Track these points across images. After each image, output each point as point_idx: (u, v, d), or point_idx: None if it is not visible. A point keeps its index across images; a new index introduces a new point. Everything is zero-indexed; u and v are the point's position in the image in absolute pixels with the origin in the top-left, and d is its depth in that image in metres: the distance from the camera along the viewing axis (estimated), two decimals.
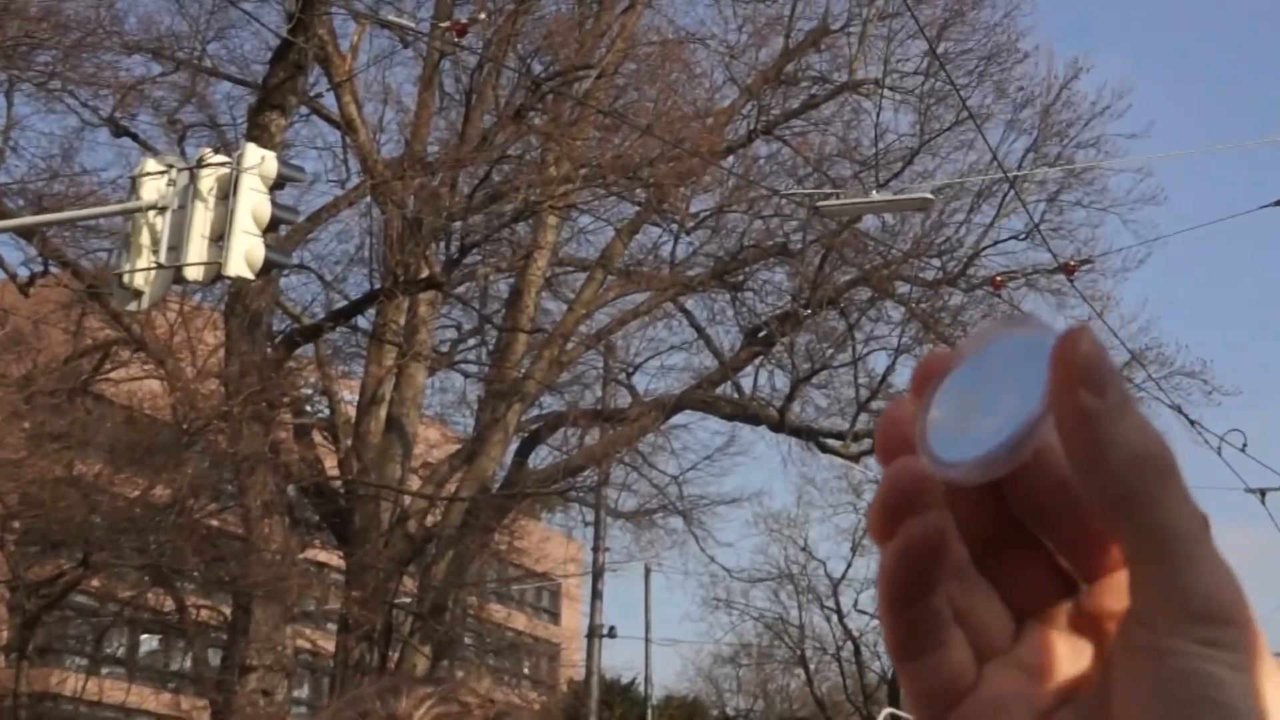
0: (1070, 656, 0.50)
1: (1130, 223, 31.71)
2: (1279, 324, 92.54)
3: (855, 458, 32.21)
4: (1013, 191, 27.99)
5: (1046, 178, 29.74)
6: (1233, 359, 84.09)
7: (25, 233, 20.64)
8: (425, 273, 25.66)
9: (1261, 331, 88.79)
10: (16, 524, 27.24)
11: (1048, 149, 30.32)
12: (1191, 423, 25.93)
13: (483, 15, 24.88)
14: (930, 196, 24.10)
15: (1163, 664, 0.47)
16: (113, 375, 25.74)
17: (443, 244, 26.24)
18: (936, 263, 29.76)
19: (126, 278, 14.72)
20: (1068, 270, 26.31)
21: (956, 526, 0.51)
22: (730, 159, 27.89)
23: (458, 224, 26.19)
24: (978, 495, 0.49)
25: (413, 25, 25.37)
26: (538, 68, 26.19)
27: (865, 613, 47.58)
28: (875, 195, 23.48)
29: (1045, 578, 0.52)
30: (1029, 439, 0.48)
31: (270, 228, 14.61)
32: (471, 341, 29.71)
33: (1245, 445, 23.65)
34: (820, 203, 23.88)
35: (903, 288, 29.72)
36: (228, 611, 27.67)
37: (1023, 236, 29.66)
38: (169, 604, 30.30)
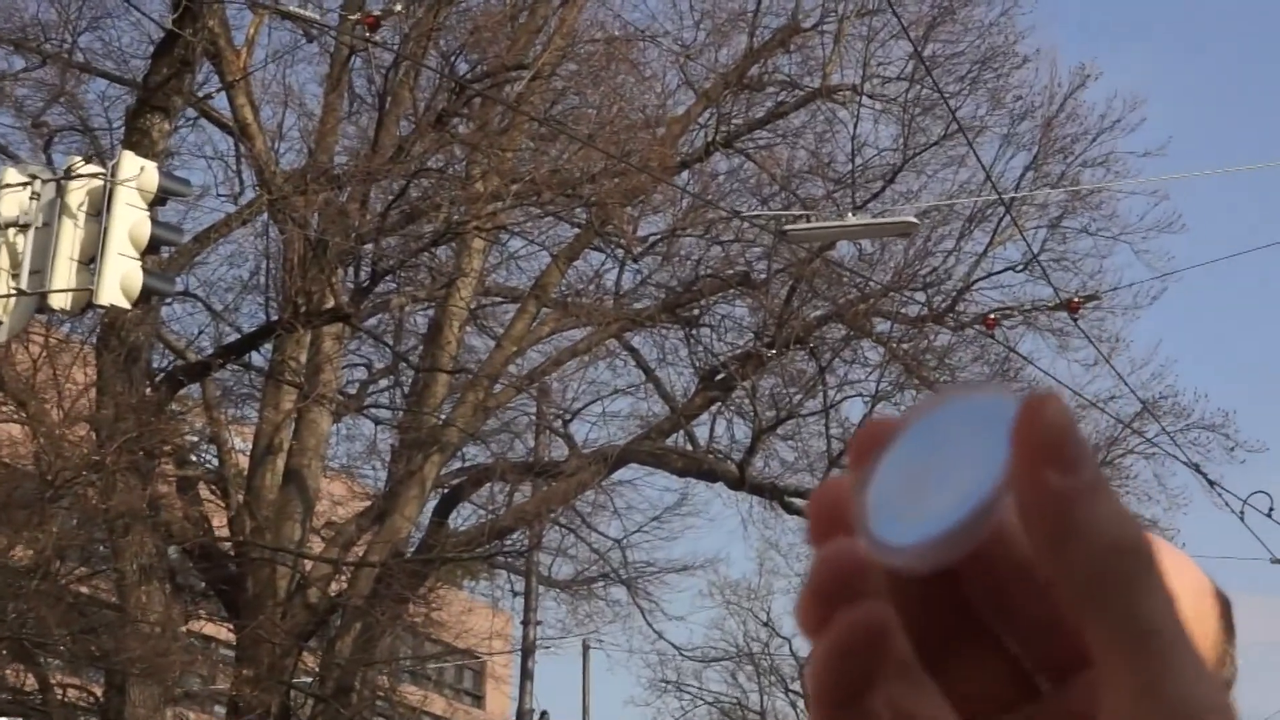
0: None
1: (1143, 253, 31.54)
2: None
3: None
4: (1009, 216, 28.06)
5: (1048, 200, 29.85)
6: (1259, 411, 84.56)
7: None
8: (331, 303, 25.50)
9: None
10: None
11: (1049, 167, 30.33)
12: (1211, 483, 26.10)
13: (399, 7, 24.74)
14: (915, 221, 24.16)
15: None
16: None
17: (351, 270, 26.15)
18: (921, 297, 29.67)
19: None
20: (1071, 307, 26.41)
21: (900, 618, 0.50)
22: (685, 175, 27.97)
23: (369, 246, 26.09)
24: (924, 582, 0.49)
25: (318, 17, 25.34)
26: (463, 68, 26.33)
27: None
28: (852, 218, 23.52)
29: (1002, 677, 0.51)
30: (985, 519, 0.48)
31: (150, 249, 14.51)
32: (384, 383, 29.67)
33: (1272, 510, 23.77)
34: (788, 226, 23.88)
35: (882, 325, 29.76)
36: (99, 691, 27.49)
37: (1020, 268, 29.74)
38: (31, 683, 30.04)
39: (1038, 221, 29.80)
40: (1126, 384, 27.94)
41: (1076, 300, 26.88)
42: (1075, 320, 26.85)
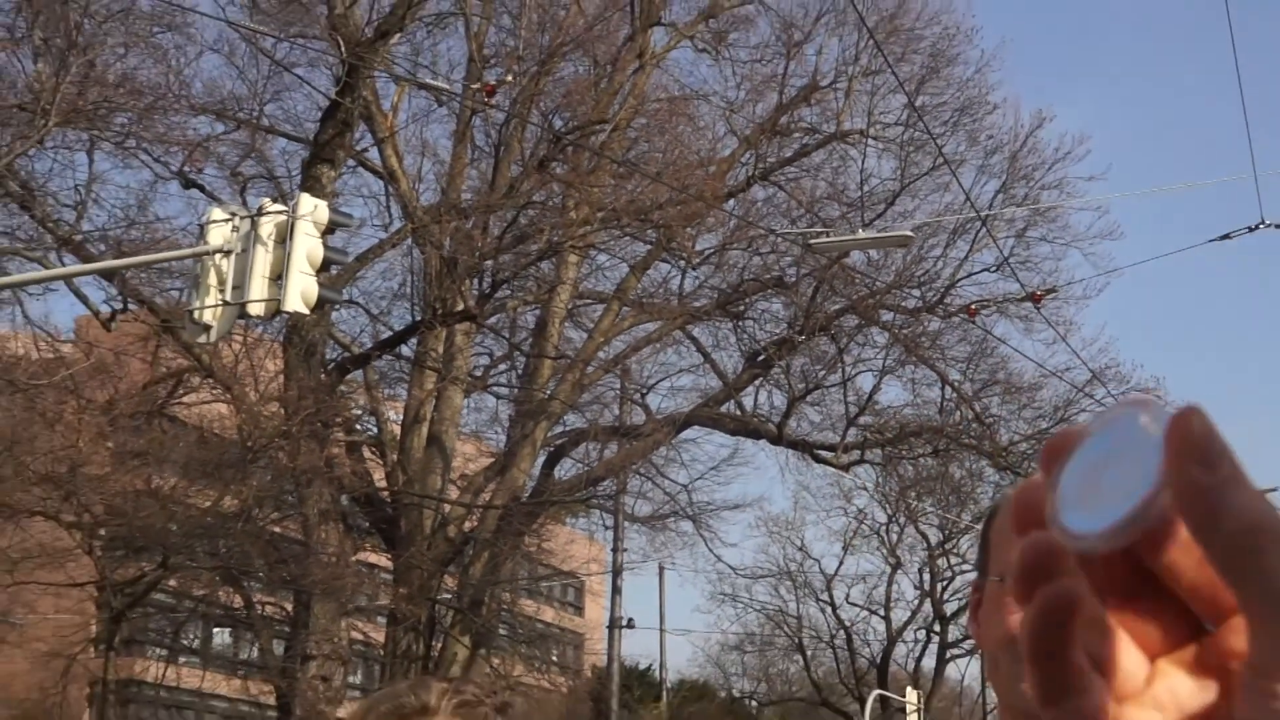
0: (1198, 693, 0.50)
1: (1090, 255, 31.64)
2: (1229, 347, 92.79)
3: (845, 467, 32.17)
4: (984, 229, 27.92)
5: (1014, 216, 29.73)
6: (1185, 375, 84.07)
7: (107, 275, 20.67)
8: (461, 306, 25.66)
9: (1211, 353, 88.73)
10: (103, 532, 27.34)
11: (1015, 190, 30.27)
12: None
13: (510, 77, 24.96)
14: (910, 234, 24.00)
15: (1273, 708, 0.47)
16: (185, 400, 25.79)
17: (476, 280, 26.23)
18: (916, 293, 29.70)
19: (197, 313, 14.73)
20: (1034, 299, 26.26)
21: (1088, 584, 0.51)
22: (731, 202, 27.94)
23: (489, 262, 26.18)
24: (1106, 556, 0.49)
25: (447, 87, 25.42)
26: (559, 123, 26.25)
27: (856, 605, 47.55)
28: (861, 233, 23.37)
29: (1173, 622, 0.51)
30: (1148, 512, 0.48)
31: (323, 268, 14.61)
32: (502, 367, 29.70)
33: None
34: (812, 240, 23.81)
35: (886, 315, 29.60)
36: (290, 607, 27.69)
37: (993, 269, 29.51)
38: (238, 601, 30.32)
39: (1007, 233, 29.70)
40: (1079, 357, 27.89)
41: (1039, 293, 26.70)
42: (1038, 308, 26.67)
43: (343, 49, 24.42)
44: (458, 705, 1.79)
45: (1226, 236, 20.10)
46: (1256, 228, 20.31)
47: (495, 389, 29.40)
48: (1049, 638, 0.50)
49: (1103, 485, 0.49)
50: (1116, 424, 0.50)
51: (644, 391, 30.83)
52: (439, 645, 26.12)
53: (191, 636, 41.80)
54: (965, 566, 43.53)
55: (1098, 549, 0.48)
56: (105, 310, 23.21)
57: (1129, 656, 0.50)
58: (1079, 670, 0.49)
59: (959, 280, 29.78)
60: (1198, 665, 0.50)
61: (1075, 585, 0.49)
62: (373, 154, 26.90)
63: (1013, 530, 0.51)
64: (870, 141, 29.37)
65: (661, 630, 52.31)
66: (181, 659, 41.53)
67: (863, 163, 29.48)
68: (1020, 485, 0.52)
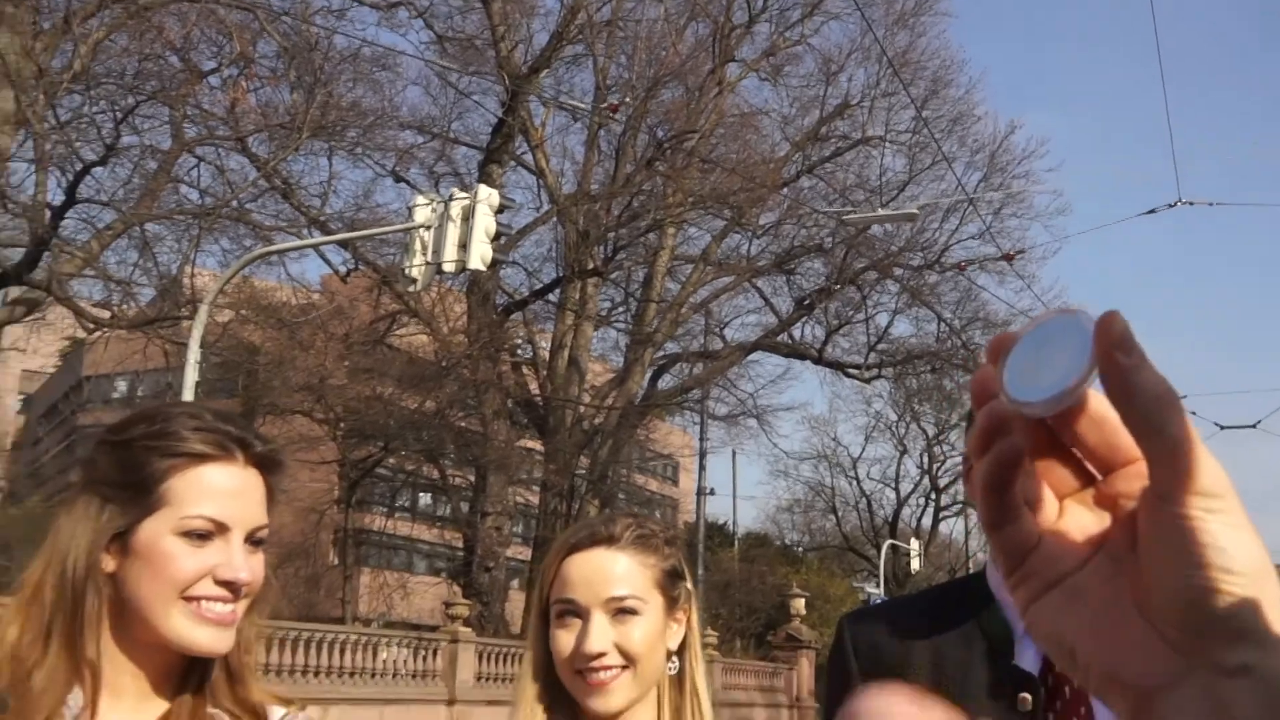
0: (1096, 522, 0.50)
1: (1049, 227, 32.23)
2: (1151, 293, 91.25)
3: (867, 380, 32.47)
4: (971, 207, 27.65)
5: (993, 198, 29.26)
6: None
7: (343, 244, 21.01)
8: (590, 265, 25.81)
9: (1138, 299, 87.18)
10: (342, 425, 27.94)
11: (994, 179, 29.75)
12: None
13: (626, 99, 24.94)
14: (916, 212, 23.79)
15: (1179, 523, 0.48)
16: (398, 332, 26.17)
17: (601, 247, 26.32)
18: (920, 255, 29.33)
19: (407, 270, 14.92)
20: (1008, 258, 26.06)
21: (1024, 442, 0.51)
22: (785, 189, 27.66)
23: (611, 234, 26.27)
24: (1035, 422, 0.49)
25: (581, 106, 25.46)
26: (660, 133, 26.19)
27: (873, 479, 47.71)
28: (880, 211, 23.24)
29: (1076, 473, 0.51)
30: (1080, 386, 0.48)
31: (494, 238, 14.73)
32: (620, 309, 29.76)
33: None
34: (844, 217, 23.67)
35: (898, 271, 29.31)
36: (472, 479, 28.18)
37: (977, 237, 29.18)
38: (436, 474, 30.92)
39: (987, 210, 29.22)
40: (1041, 301, 27.50)
41: (1011, 254, 26.43)
42: (1011, 265, 26.43)
43: (506, 81, 24.53)
44: (637, 536, 1.75)
45: (1152, 211, 19.66)
46: (1175, 204, 19.83)
47: (615, 324, 29.55)
48: (998, 479, 0.50)
49: (1041, 368, 0.48)
50: (1051, 323, 0.50)
51: (721, 326, 30.81)
52: (576, 506, 26.43)
53: (403, 499, 42.66)
54: (954, 452, 43.61)
55: (1040, 413, 0.48)
56: (342, 269, 23.63)
57: (1048, 496, 0.50)
58: (1016, 504, 0.49)
59: (951, 245, 29.49)
60: (1094, 503, 0.50)
61: (1019, 441, 0.49)
62: (527, 157, 27.02)
63: (973, 405, 0.51)
64: (886, 144, 29.20)
65: (734, 497, 52.36)
66: (396, 514, 42.48)
67: (881, 160, 29.39)
68: (976, 372, 0.51)
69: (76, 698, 1.43)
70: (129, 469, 1.48)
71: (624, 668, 1.69)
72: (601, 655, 1.67)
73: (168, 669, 1.51)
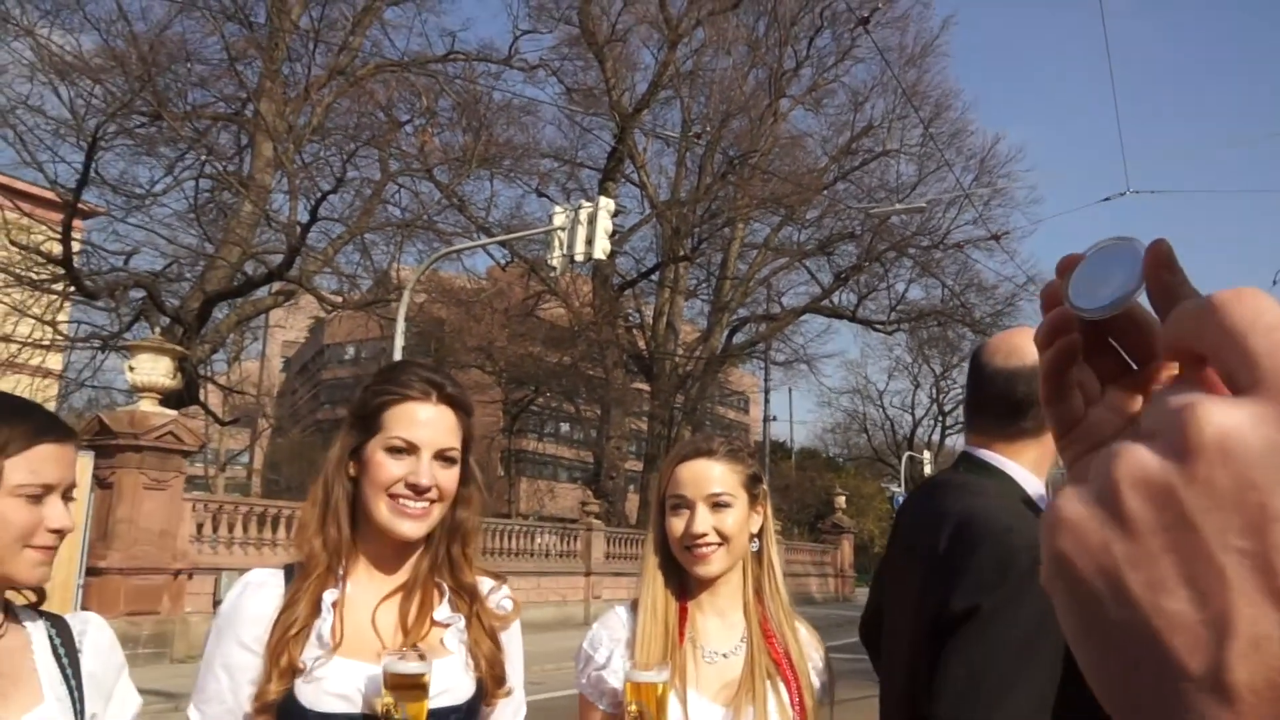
0: (1131, 402, 0.46)
1: (1027, 213, 31.45)
2: None
3: (889, 333, 31.79)
4: (966, 200, 26.76)
5: (983, 193, 28.33)
6: None
7: (502, 243, 21.23)
8: (681, 253, 25.71)
9: None
10: (504, 375, 28.31)
11: (984, 179, 28.72)
12: None
13: (705, 129, 24.68)
14: (924, 205, 23.32)
15: (1187, 395, 0.41)
16: (543, 307, 26.42)
17: (689, 239, 26.19)
18: (928, 238, 28.39)
19: (549, 261, 15.02)
20: (995, 238, 24.99)
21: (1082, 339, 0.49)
22: (825, 192, 27.14)
23: (696, 229, 26.11)
24: (1089, 325, 0.46)
25: (673, 135, 25.30)
26: (731, 153, 25.87)
27: (894, 407, 47.00)
28: (897, 205, 22.73)
29: (1118, 365, 0.48)
30: (1130, 297, 0.44)
31: (611, 235, 14.73)
32: (704, 284, 29.58)
33: None
34: (870, 210, 23.19)
35: (911, 250, 28.50)
36: (599, 411, 28.37)
37: (972, 222, 28.40)
38: (573, 409, 31.17)
39: (979, 203, 28.37)
40: (1021, 270, 26.89)
41: (998, 235, 25.55)
42: (998, 244, 25.53)
43: (617, 119, 24.45)
44: (728, 450, 1.75)
45: (1107, 199, 18.80)
46: (1125, 194, 18.98)
47: (700, 296, 29.38)
48: (1058, 366, 0.47)
49: (1099, 281, 0.45)
50: (1110, 247, 0.47)
51: (779, 295, 30.46)
52: (674, 431, 26.57)
53: (550, 428, 43.26)
54: (955, 387, 42.77)
55: (1096, 316, 0.45)
56: (502, 262, 23.92)
57: (1092, 381, 0.48)
58: (1070, 386, 0.47)
59: (952, 230, 28.52)
60: (1131, 387, 0.48)
61: (1076, 338, 0.47)
62: (633, 175, 26.87)
63: (1042, 310, 0.48)
64: (901, 155, 28.41)
65: (791, 422, 51.67)
66: (545, 439, 43.15)
67: (897, 167, 28.68)
68: (1046, 285, 0.48)
69: (343, 565, 1.51)
70: (364, 405, 1.55)
71: (719, 545, 1.70)
72: (704, 535, 1.69)
73: (401, 550, 1.55)
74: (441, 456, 1.53)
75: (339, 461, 1.53)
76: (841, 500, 32.18)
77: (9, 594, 1.35)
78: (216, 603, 12.47)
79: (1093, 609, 0.34)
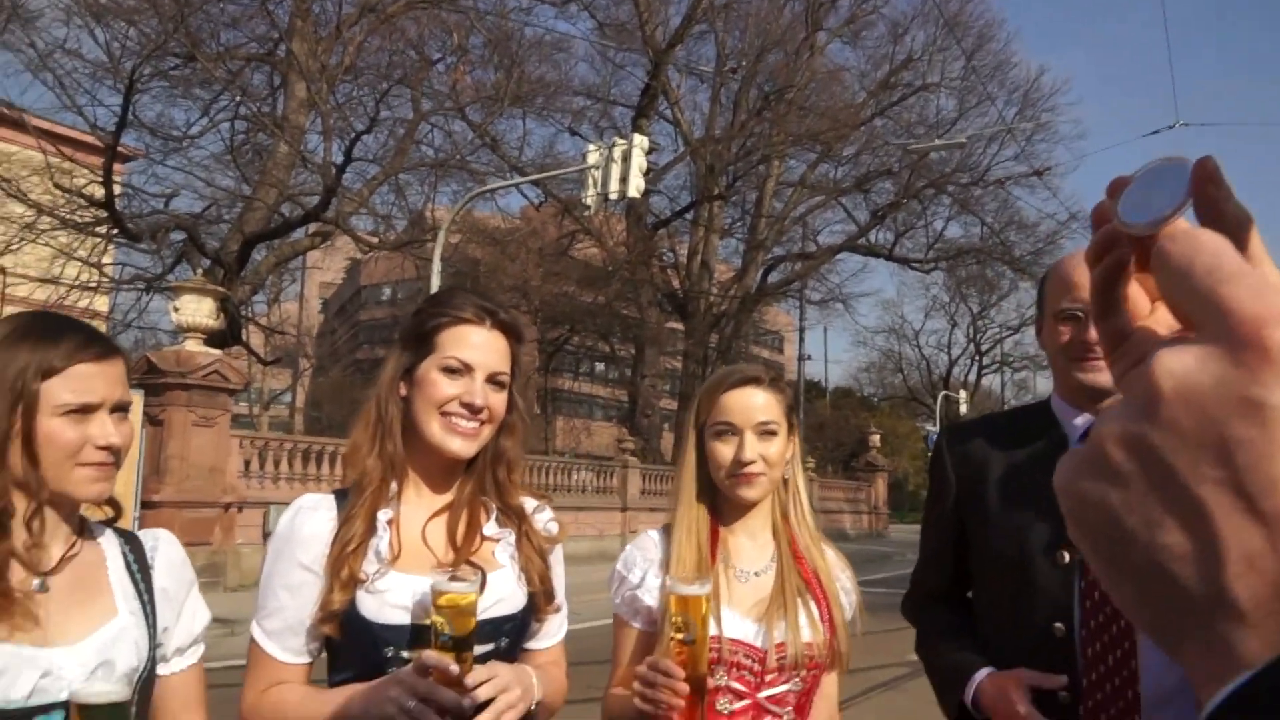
0: (1171, 319, 0.45)
1: (1070, 148, 30.41)
2: None
3: (927, 272, 31.41)
4: (1008, 136, 26.11)
5: (1026, 128, 27.60)
6: None
7: (536, 183, 21.13)
8: (716, 191, 25.43)
9: None
10: (540, 314, 28.40)
11: (1027, 113, 27.88)
12: None
13: (741, 63, 24.19)
14: (964, 141, 22.73)
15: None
16: (578, 246, 26.35)
17: (723, 176, 25.88)
18: (968, 175, 27.75)
19: (583, 199, 14.96)
20: (1038, 173, 24.65)
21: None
22: (862, 128, 26.59)
23: (730, 167, 25.77)
24: (1137, 242, 0.45)
25: (707, 70, 24.85)
26: (767, 88, 25.36)
27: (930, 346, 46.56)
28: (936, 141, 22.22)
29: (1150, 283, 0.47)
30: (1177, 212, 0.43)
31: (645, 173, 14.62)
32: (739, 223, 29.28)
33: None
34: (909, 146, 22.71)
35: (950, 187, 27.93)
36: (634, 351, 28.41)
37: (1013, 158, 27.80)
38: (608, 348, 31.24)
39: (1021, 137, 27.65)
40: (1064, 206, 26.22)
41: (1041, 170, 25.08)
42: (1040, 179, 25.08)
43: (650, 55, 24.04)
44: (772, 380, 1.78)
45: (1155, 132, 18.28)
46: (1174, 126, 18.41)
47: (735, 235, 29.10)
48: (1107, 282, 0.47)
49: (1147, 200, 0.45)
50: (1157, 166, 0.46)
51: (815, 234, 30.10)
52: (709, 370, 26.54)
53: (585, 367, 43.47)
54: (993, 326, 42.35)
55: (1144, 232, 0.45)
56: (536, 201, 23.86)
57: (1141, 296, 0.48)
58: (1119, 302, 0.47)
59: (992, 166, 27.90)
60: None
61: (1125, 254, 0.47)
62: (667, 112, 26.45)
63: (1092, 227, 0.48)
64: (942, 89, 27.65)
65: (825, 362, 51.57)
66: (580, 377, 43.39)
67: (937, 102, 28.00)
68: (1097, 205, 0.48)
69: (394, 485, 1.55)
70: (419, 326, 1.58)
71: (764, 472, 1.74)
72: (752, 462, 1.72)
73: (450, 470, 1.59)
74: (493, 380, 1.56)
75: (392, 381, 1.58)
76: (876, 439, 32.18)
77: (85, 510, 1.39)
78: (266, 534, 12.91)
79: (1106, 552, 0.37)
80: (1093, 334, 1.55)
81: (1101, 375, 1.57)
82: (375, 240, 18.55)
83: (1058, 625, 1.55)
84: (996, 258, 29.66)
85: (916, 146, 22.56)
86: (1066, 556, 1.57)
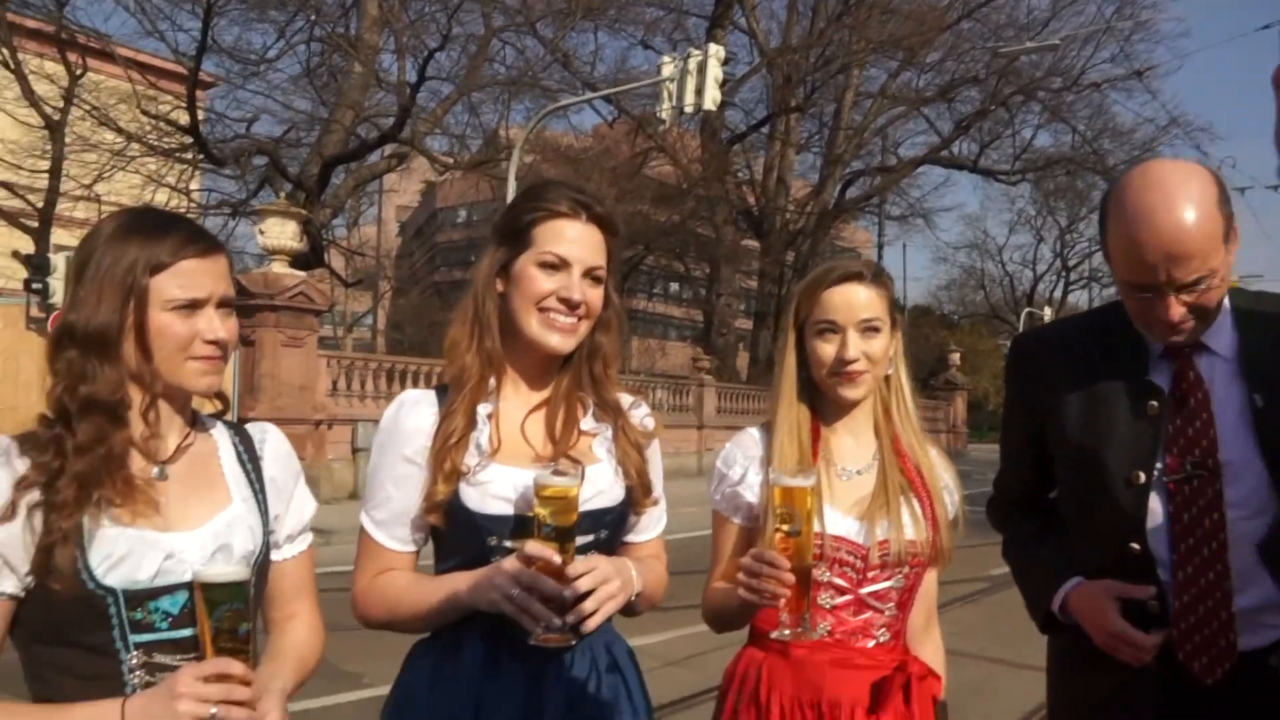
0: None
1: (1171, 47, 28.12)
2: (1264, 106, 79.21)
3: (1013, 184, 30.41)
4: (1105, 34, 24.63)
5: (1124, 28, 25.92)
6: (1229, 120, 72.89)
7: (607, 98, 20.84)
8: (793, 103, 24.72)
9: (1250, 109, 76.39)
10: None
11: (1126, 10, 26.15)
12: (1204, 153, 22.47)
13: None
14: (1058, 43, 21.54)
15: None
16: (651, 164, 26.08)
17: (801, 88, 25.09)
18: (1060, 80, 26.29)
19: (659, 113, 14.75)
20: (1139, 74, 23.19)
21: None
22: (947, 32, 25.31)
23: (808, 78, 24.95)
24: None
25: None
26: None
27: (1014, 262, 45.17)
28: (1027, 44, 21.04)
29: None
30: None
31: (721, 85, 14.33)
32: (816, 136, 28.46)
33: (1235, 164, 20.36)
34: (998, 50, 21.57)
35: (1040, 94, 26.57)
36: (709, 270, 28.29)
37: (1109, 60, 26.13)
38: (682, 267, 31.21)
39: (1119, 37, 26.04)
40: (1165, 108, 24.86)
41: (1141, 70, 23.62)
42: (1141, 81, 23.63)
43: None
44: (875, 274, 1.74)
45: (1266, 26, 16.99)
46: None
47: (812, 149, 28.34)
48: None
49: None
50: None
51: (895, 146, 29.15)
52: (785, 290, 26.13)
53: (659, 286, 43.46)
54: (1082, 240, 40.74)
55: None
56: (609, 118, 23.57)
57: None
58: None
59: (1087, 69, 26.30)
60: None
61: None
62: (742, 21, 25.58)
63: (1275, 87, 0.40)
64: None
65: (904, 279, 50.34)
66: (654, 297, 43.48)
67: (1029, 1, 26.56)
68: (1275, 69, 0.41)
69: (492, 381, 1.55)
70: (513, 221, 1.56)
71: (867, 370, 1.71)
72: (856, 361, 1.69)
73: (547, 365, 1.58)
74: (590, 275, 1.56)
75: (488, 277, 1.57)
76: (956, 358, 31.61)
77: (196, 403, 1.43)
78: (355, 450, 13.39)
79: None
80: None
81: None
82: (450, 160, 18.64)
83: (1133, 545, 1.54)
84: (1088, 167, 28.40)
85: (1006, 50, 21.38)
86: (1142, 476, 1.54)
